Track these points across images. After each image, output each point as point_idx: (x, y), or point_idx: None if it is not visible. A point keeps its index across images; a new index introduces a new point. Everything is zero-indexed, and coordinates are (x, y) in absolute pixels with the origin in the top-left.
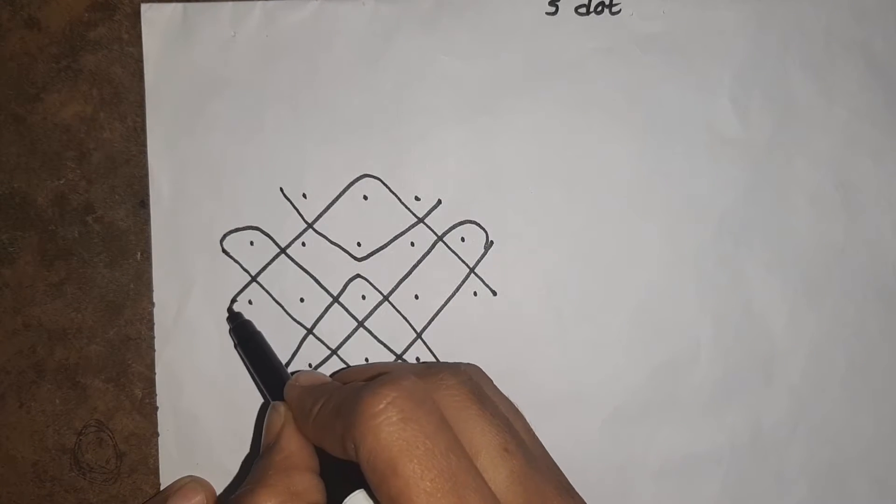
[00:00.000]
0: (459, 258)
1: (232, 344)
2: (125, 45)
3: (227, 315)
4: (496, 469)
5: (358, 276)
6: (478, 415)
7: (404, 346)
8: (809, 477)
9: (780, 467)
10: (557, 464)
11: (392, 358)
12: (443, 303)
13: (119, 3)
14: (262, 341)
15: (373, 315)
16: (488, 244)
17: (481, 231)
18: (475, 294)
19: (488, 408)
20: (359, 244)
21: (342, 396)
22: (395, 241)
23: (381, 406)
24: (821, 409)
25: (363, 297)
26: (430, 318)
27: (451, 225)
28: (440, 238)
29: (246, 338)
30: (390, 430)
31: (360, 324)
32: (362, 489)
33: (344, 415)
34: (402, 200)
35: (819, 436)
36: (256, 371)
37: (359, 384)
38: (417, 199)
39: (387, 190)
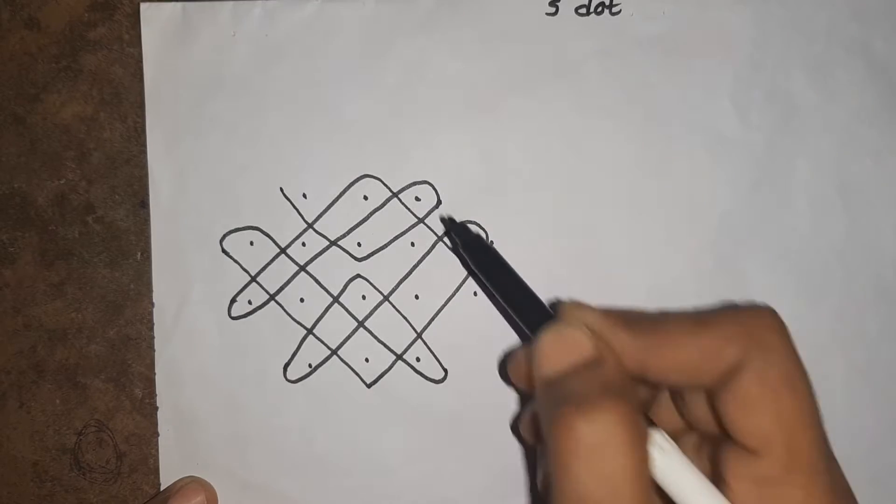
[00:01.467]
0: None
1: (233, 344)
2: (125, 46)
3: (446, 220)
4: None
5: (358, 276)
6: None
7: (404, 346)
8: None
9: None
10: None
11: (392, 358)
12: (443, 303)
13: (119, 3)
14: (503, 260)
15: (373, 315)
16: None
17: (481, 231)
18: (475, 294)
19: None
20: (359, 244)
21: (698, 316)
22: (396, 242)
23: (780, 326)
24: (820, 410)
25: (363, 297)
26: (430, 318)
27: None
28: (440, 238)
29: (485, 259)
30: (793, 352)
31: (361, 324)
32: (660, 430)
33: (718, 328)
34: (402, 201)
35: None
36: (508, 294)
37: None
38: (418, 199)
39: (387, 190)
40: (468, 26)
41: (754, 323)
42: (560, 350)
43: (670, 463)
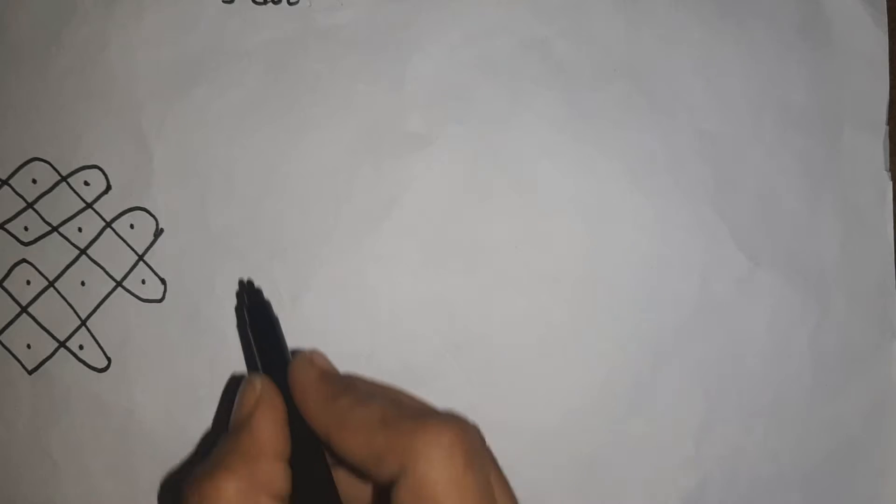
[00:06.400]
0: (128, 245)
1: None
2: None
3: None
4: None
5: (24, 260)
6: (500, 477)
7: (69, 333)
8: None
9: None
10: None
11: (55, 345)
12: (109, 290)
13: None
14: (273, 315)
15: (37, 300)
16: (158, 231)
17: (151, 218)
18: (143, 282)
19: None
20: (26, 228)
21: (394, 409)
22: (63, 227)
23: (448, 442)
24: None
25: (28, 283)
26: (95, 305)
27: (121, 211)
28: (108, 224)
29: (258, 307)
30: (452, 469)
31: (24, 309)
32: None
33: (398, 430)
34: (71, 185)
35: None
36: (260, 339)
37: (415, 406)
38: (87, 183)
39: (56, 174)
40: (147, 13)
41: (423, 437)
42: (238, 405)
43: None
